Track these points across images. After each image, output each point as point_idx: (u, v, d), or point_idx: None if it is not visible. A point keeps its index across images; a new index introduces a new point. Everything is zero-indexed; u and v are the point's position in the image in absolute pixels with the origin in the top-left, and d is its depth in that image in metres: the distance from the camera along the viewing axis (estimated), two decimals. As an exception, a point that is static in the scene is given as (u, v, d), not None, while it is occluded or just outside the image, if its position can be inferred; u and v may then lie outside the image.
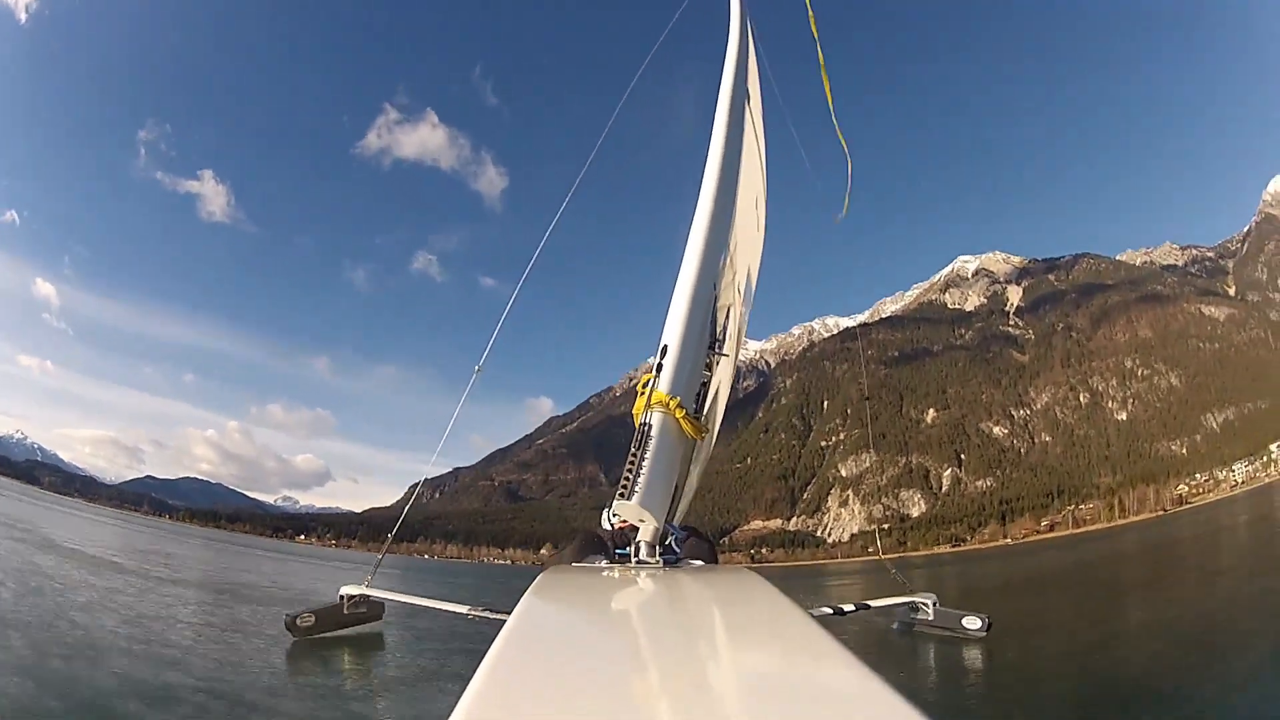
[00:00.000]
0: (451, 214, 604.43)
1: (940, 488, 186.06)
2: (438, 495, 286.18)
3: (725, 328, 3.54)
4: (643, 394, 2.61)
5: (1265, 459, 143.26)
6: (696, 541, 2.78)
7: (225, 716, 2.85)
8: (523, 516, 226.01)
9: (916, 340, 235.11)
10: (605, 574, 1.99)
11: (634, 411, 2.61)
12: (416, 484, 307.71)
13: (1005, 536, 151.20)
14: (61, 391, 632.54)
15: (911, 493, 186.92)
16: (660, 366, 2.66)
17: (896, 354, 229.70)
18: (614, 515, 2.39)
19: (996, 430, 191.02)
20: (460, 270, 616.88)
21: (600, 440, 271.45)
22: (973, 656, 4.62)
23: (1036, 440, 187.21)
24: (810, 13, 5.94)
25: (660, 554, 2.37)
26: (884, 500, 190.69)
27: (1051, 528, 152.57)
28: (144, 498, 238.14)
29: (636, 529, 2.40)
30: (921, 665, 4.54)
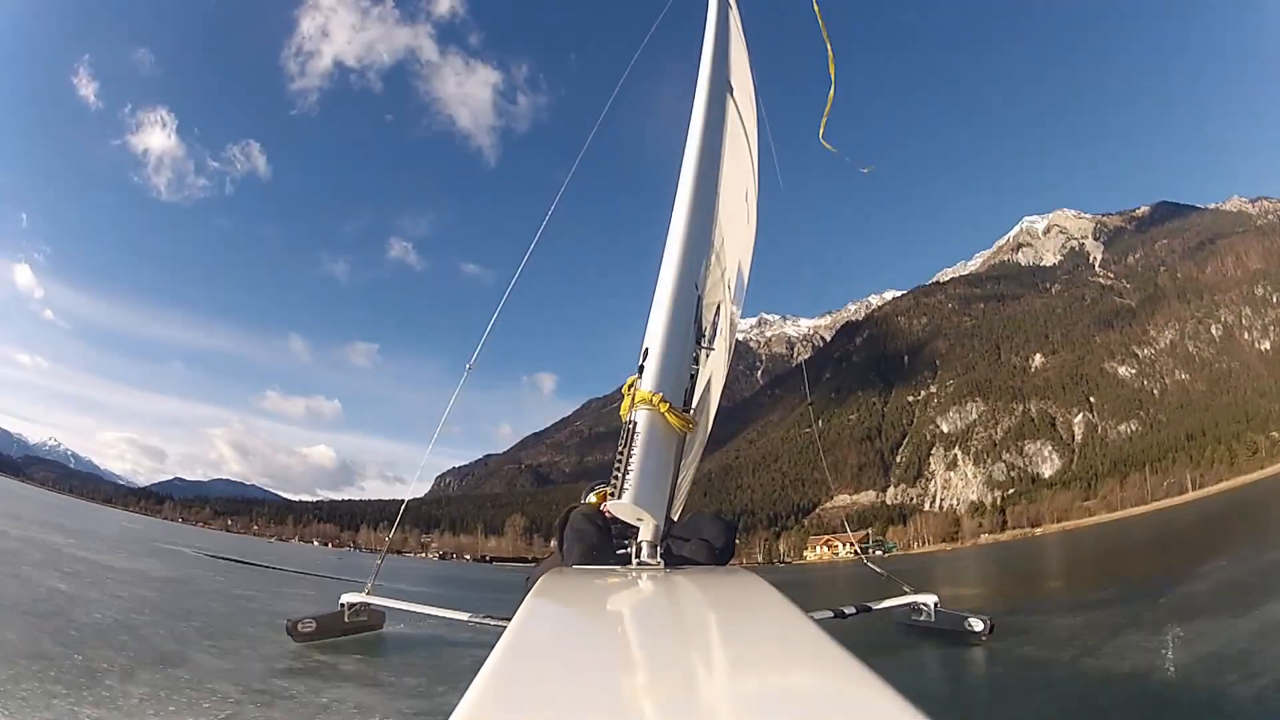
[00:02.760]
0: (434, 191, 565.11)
1: (1074, 438, 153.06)
2: (464, 483, 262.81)
3: (715, 324, 3.57)
4: (628, 395, 2.56)
5: None
6: (698, 542, 2.61)
7: None
8: (538, 501, 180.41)
9: (999, 294, 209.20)
10: (606, 577, 1.91)
11: (620, 413, 2.56)
12: (444, 474, 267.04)
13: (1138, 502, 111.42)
14: (74, 395, 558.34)
15: (1040, 445, 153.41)
16: (642, 369, 2.62)
17: (982, 306, 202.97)
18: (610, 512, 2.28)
19: (1123, 371, 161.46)
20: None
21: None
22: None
23: (1169, 379, 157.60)
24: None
25: (661, 554, 2.27)
26: (1005, 456, 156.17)
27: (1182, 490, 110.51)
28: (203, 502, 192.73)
29: (632, 523, 2.28)
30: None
